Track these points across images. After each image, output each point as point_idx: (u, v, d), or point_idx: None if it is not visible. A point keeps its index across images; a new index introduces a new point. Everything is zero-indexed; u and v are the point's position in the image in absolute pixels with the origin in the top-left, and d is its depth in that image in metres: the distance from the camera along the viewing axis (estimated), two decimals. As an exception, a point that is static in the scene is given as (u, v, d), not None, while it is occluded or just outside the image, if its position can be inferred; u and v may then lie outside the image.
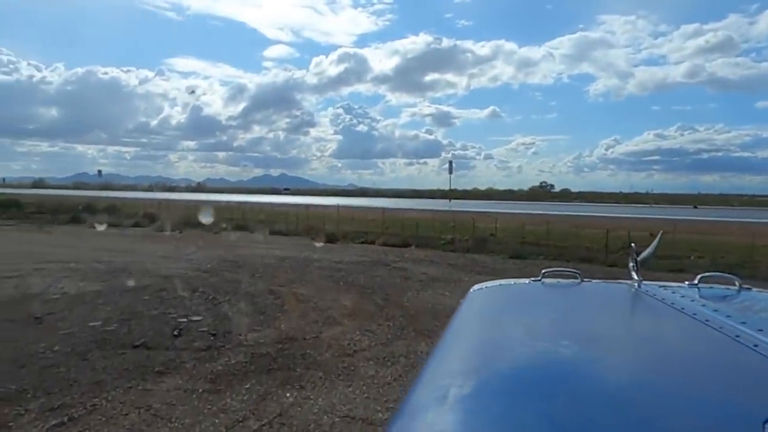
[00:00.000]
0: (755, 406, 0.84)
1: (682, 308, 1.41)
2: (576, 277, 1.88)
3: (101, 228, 23.88)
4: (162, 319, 7.90)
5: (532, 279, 1.93)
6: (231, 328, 7.55)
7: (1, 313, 7.98)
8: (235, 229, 24.24)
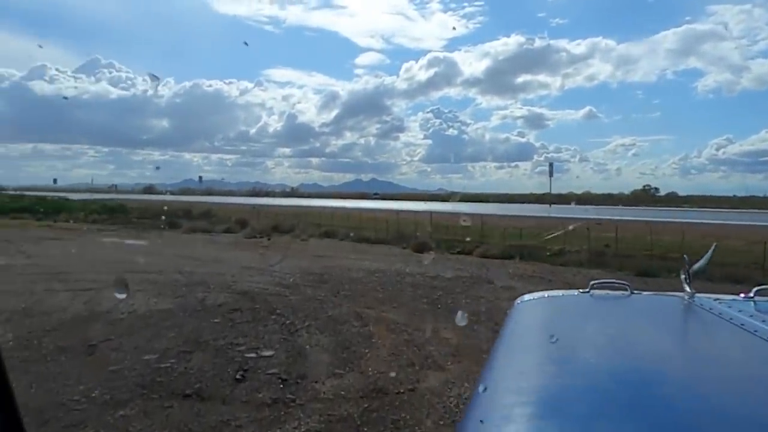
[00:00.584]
0: None
1: (737, 322, 1.36)
2: (625, 289, 1.84)
3: (193, 234, 23.94)
4: (227, 353, 6.55)
5: (581, 291, 1.86)
6: (306, 371, 6.02)
7: (59, 337, 7.07)
8: (324, 236, 23.28)
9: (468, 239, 20.67)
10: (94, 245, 18.88)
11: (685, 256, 1.97)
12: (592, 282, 1.86)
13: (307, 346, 6.95)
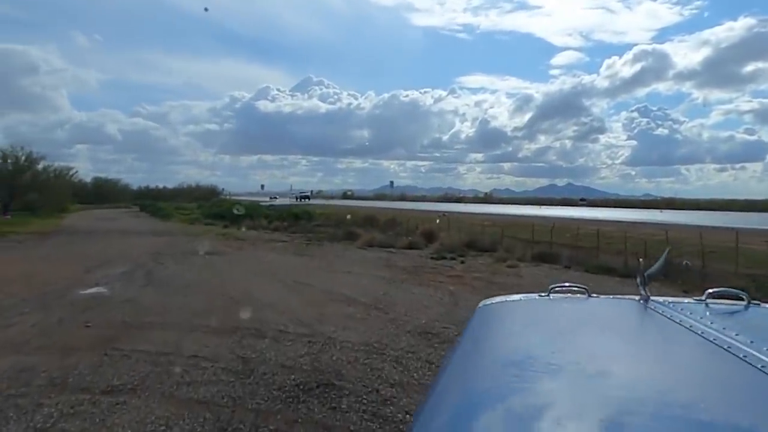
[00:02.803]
0: (761, 430, 0.85)
1: (686, 324, 1.42)
2: (584, 292, 1.90)
3: (367, 251, 19.16)
4: None
5: (540, 293, 1.92)
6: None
7: None
8: (538, 260, 16.39)
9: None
10: (238, 263, 14.98)
11: (640, 260, 2.03)
12: (551, 285, 1.90)
13: None
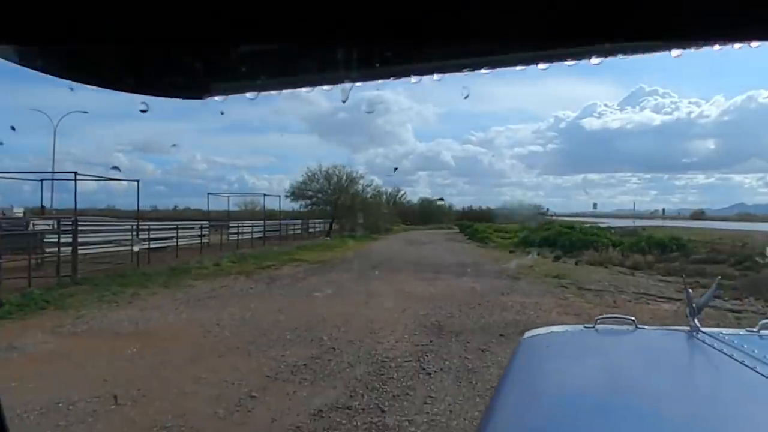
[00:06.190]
0: None
1: (739, 358, 1.35)
2: (631, 324, 1.83)
3: None
4: None
5: (586, 325, 1.86)
6: None
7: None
8: None
9: None
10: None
11: (689, 290, 1.98)
12: (597, 317, 1.85)
13: None
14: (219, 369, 6.39)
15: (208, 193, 29.90)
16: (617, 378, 1.37)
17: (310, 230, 37.06)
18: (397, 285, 13.51)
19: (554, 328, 1.94)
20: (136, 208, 16.82)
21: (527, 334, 1.89)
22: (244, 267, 16.92)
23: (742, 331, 1.67)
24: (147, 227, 20.69)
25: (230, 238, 24.76)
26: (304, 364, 6.64)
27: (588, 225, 37.03)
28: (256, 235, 27.26)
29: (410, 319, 9.31)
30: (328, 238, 33.56)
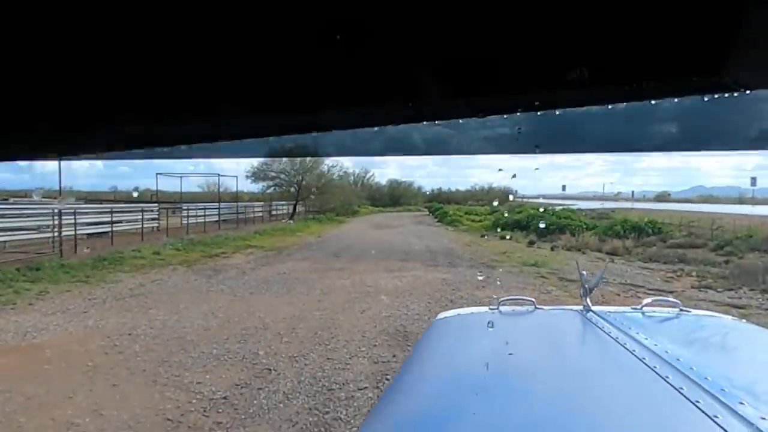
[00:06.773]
0: None
1: (624, 334, 1.46)
2: (530, 304, 1.98)
3: None
4: None
5: (491, 307, 1.98)
6: None
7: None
8: None
9: None
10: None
11: (583, 272, 2.12)
12: (501, 299, 1.99)
13: None
14: (103, 407, 4.68)
15: (157, 174, 27.37)
16: (511, 356, 1.41)
17: (273, 213, 35.05)
18: (358, 277, 11.89)
19: (461, 311, 2.07)
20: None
21: (439, 315, 2.03)
22: (188, 256, 14.97)
23: (628, 309, 1.84)
24: (85, 211, 18.59)
25: (183, 222, 22.66)
26: (224, 398, 4.99)
27: (560, 207, 36.02)
28: (213, 219, 25.22)
29: (370, 324, 7.73)
30: (291, 222, 31.64)
